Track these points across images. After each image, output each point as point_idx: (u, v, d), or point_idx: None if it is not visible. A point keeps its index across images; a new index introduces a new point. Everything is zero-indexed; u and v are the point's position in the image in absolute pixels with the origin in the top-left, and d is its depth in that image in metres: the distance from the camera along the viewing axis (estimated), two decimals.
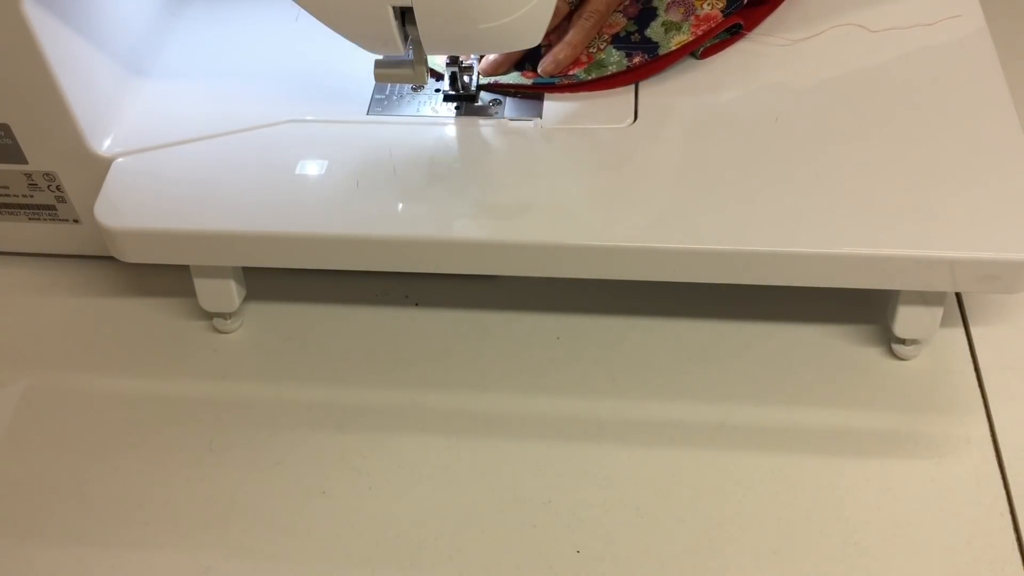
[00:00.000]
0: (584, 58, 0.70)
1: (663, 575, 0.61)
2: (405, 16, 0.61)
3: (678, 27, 0.70)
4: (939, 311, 0.66)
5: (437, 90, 0.72)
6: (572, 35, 0.70)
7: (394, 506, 0.65)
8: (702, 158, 0.66)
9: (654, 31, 0.70)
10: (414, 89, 0.72)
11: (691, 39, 0.69)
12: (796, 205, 0.63)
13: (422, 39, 0.62)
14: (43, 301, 0.76)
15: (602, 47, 0.71)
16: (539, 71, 0.70)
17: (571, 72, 0.70)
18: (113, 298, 0.76)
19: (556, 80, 0.70)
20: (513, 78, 0.70)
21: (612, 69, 0.69)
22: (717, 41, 0.71)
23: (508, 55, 0.71)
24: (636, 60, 0.69)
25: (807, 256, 0.61)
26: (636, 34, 0.71)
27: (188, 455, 0.67)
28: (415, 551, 0.63)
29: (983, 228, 0.61)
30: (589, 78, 0.70)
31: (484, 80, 0.70)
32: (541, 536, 0.63)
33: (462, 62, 0.69)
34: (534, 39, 0.63)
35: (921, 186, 0.63)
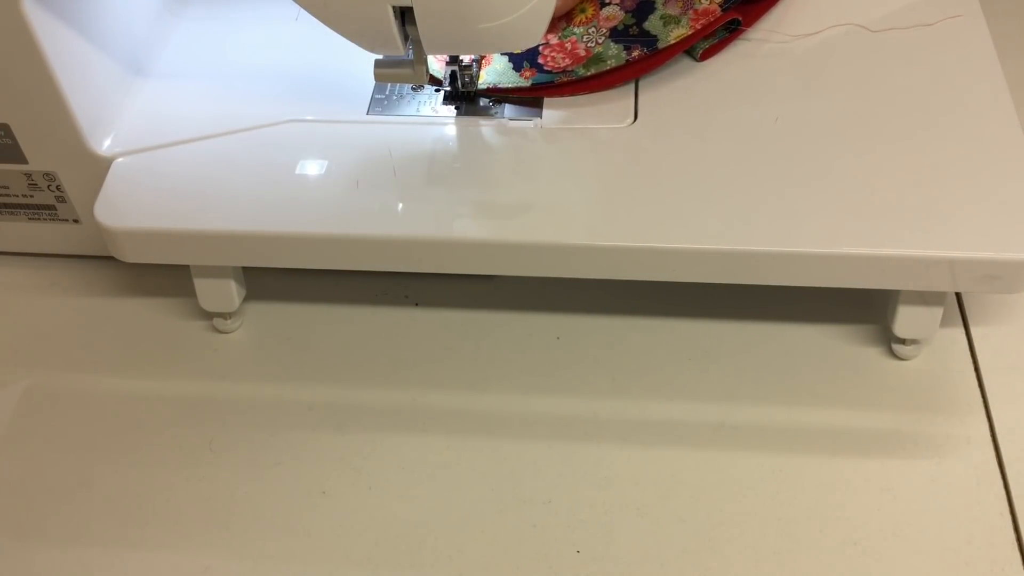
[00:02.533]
0: (583, 52, 0.70)
1: (663, 575, 0.61)
2: (405, 16, 0.61)
3: (677, 21, 0.69)
4: (939, 311, 0.66)
5: (437, 90, 0.72)
6: None
7: (394, 506, 0.65)
8: (702, 158, 0.66)
9: (652, 24, 0.70)
10: (414, 89, 0.72)
11: (690, 33, 0.69)
12: (796, 205, 0.63)
13: (422, 39, 0.62)
14: (43, 301, 0.76)
15: (600, 41, 0.70)
16: None
17: (570, 68, 0.69)
18: (113, 298, 0.76)
19: (555, 78, 0.69)
20: (512, 79, 0.70)
21: (611, 63, 0.69)
22: (716, 41, 0.71)
23: None
24: (635, 54, 0.69)
25: (807, 256, 0.61)
26: (634, 27, 0.70)
27: (188, 455, 0.67)
28: (415, 551, 0.63)
29: (983, 228, 0.61)
30: (588, 73, 0.69)
31: (483, 85, 0.70)
32: (541, 536, 0.63)
33: (462, 62, 0.69)
34: (534, 38, 0.63)
35: (921, 186, 0.63)
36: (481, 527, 0.64)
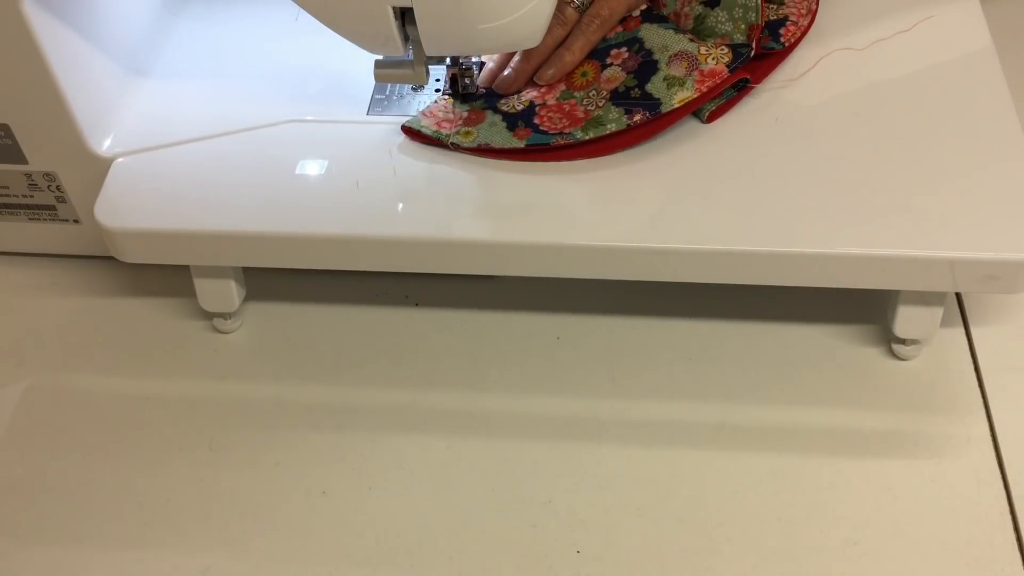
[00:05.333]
0: (581, 115, 0.67)
1: (663, 575, 0.61)
2: (405, 16, 0.61)
3: (681, 82, 0.66)
4: (939, 311, 0.66)
5: (437, 90, 0.72)
6: (572, 39, 0.69)
7: (394, 506, 0.65)
8: (702, 158, 0.66)
9: (655, 86, 0.66)
10: (414, 89, 0.72)
11: (695, 96, 0.65)
12: (796, 205, 0.63)
13: (422, 39, 0.62)
14: (43, 301, 0.76)
15: (600, 104, 0.67)
16: (537, 79, 0.69)
17: (567, 130, 0.66)
18: (113, 298, 0.76)
19: (551, 140, 0.66)
20: (505, 138, 0.67)
21: (611, 127, 0.66)
22: (723, 101, 0.67)
23: (521, 72, 0.69)
24: (636, 118, 0.65)
25: (807, 256, 0.61)
26: (636, 89, 0.67)
27: (188, 455, 0.67)
28: (415, 551, 0.63)
29: (983, 228, 0.61)
30: (587, 137, 0.66)
31: (474, 143, 0.67)
32: (541, 536, 0.63)
33: (463, 63, 0.69)
34: (534, 39, 0.63)
35: (921, 186, 0.63)
36: (481, 527, 0.64)
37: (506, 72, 0.70)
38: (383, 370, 0.71)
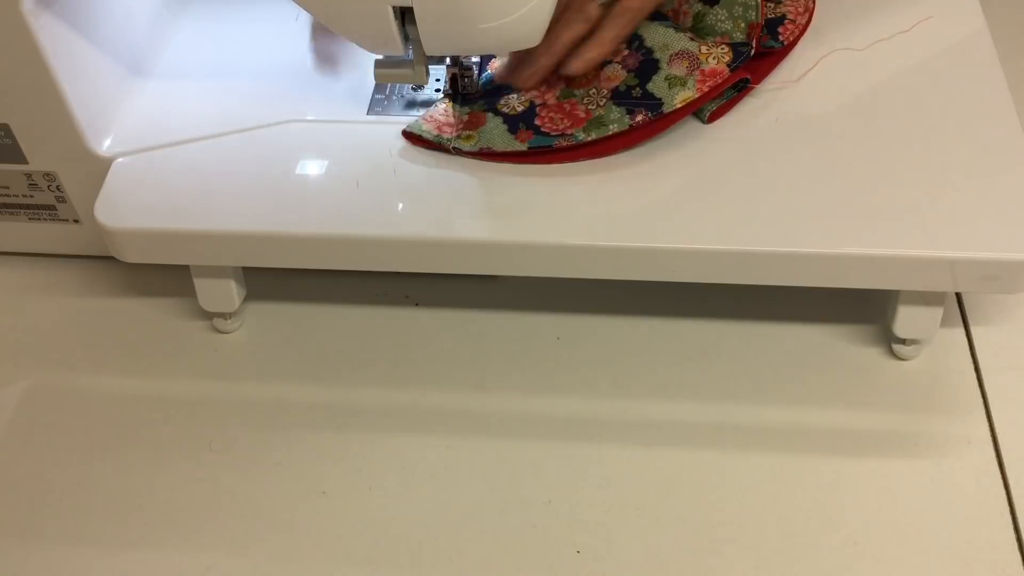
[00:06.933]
0: (582, 114, 0.67)
1: (663, 575, 0.61)
2: (405, 16, 0.61)
3: (683, 82, 0.66)
4: (939, 311, 0.66)
5: (437, 90, 0.72)
6: (603, 32, 0.66)
7: (394, 506, 0.65)
8: (702, 158, 0.66)
9: (656, 85, 0.66)
10: (414, 89, 0.72)
11: (697, 96, 0.65)
12: (796, 205, 0.63)
13: (422, 39, 0.62)
14: (43, 301, 0.76)
15: (602, 103, 0.67)
16: (563, 71, 0.67)
17: (569, 131, 0.66)
18: (113, 298, 0.76)
19: (553, 142, 0.66)
20: (506, 141, 0.67)
21: (613, 128, 0.65)
22: (724, 101, 0.67)
23: (541, 69, 0.67)
24: (639, 118, 0.65)
25: (807, 256, 0.61)
26: (637, 88, 0.67)
27: (188, 455, 0.67)
28: (415, 551, 0.63)
29: (983, 228, 0.61)
30: (588, 138, 0.66)
31: (475, 147, 0.67)
32: (541, 536, 0.63)
33: (463, 63, 0.69)
34: (534, 39, 0.63)
35: (921, 186, 0.63)
36: (481, 527, 0.64)
37: (526, 70, 0.68)
38: (383, 370, 0.71)
